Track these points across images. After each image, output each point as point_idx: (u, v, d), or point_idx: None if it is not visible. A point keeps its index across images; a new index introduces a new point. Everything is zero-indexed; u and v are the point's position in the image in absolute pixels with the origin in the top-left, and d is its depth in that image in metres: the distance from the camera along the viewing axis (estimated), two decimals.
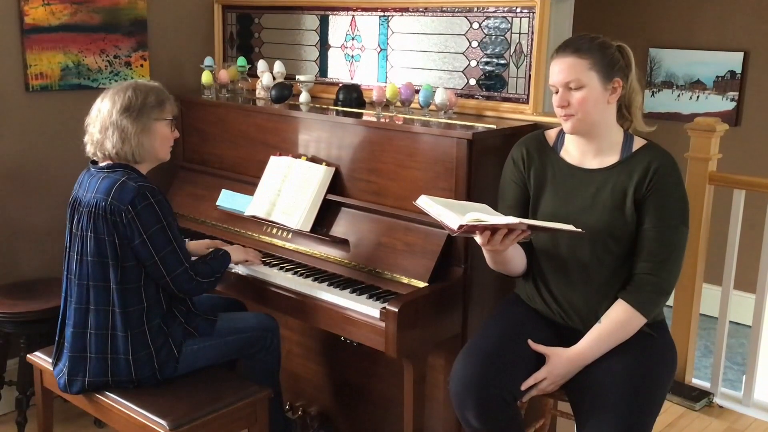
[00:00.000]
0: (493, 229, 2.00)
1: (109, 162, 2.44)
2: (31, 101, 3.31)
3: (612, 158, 2.19)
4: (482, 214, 2.00)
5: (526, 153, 2.30)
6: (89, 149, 2.48)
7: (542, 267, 2.29)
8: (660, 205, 2.11)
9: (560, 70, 2.13)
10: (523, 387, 2.14)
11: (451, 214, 2.00)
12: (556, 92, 2.15)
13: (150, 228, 2.34)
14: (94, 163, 2.49)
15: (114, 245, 2.34)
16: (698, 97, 5.60)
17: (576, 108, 2.12)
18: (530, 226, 2.01)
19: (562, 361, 2.15)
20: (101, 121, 2.42)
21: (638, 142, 2.20)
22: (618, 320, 2.14)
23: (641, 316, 2.13)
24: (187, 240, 2.90)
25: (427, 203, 2.10)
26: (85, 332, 2.41)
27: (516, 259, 2.25)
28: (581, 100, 2.11)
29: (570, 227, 1.98)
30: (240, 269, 2.79)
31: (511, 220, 1.97)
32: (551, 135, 2.32)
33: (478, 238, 2.05)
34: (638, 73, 2.21)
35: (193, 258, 2.59)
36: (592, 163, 2.21)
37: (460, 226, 1.95)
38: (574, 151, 2.25)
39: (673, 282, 2.17)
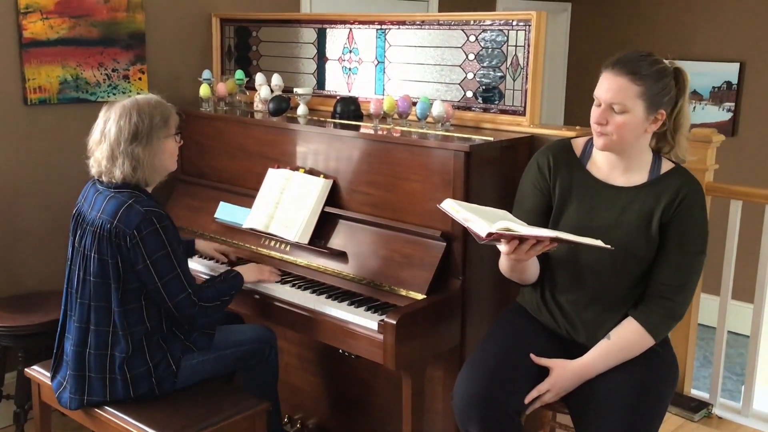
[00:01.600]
0: (521, 239, 1.95)
1: (120, 182, 2.39)
2: (29, 115, 3.31)
3: (639, 177, 2.16)
4: (511, 223, 1.96)
5: (552, 161, 2.24)
6: (95, 171, 2.43)
7: (555, 278, 2.25)
8: (684, 231, 2.10)
9: (609, 88, 2.06)
10: (527, 400, 2.13)
11: (479, 220, 1.94)
12: (598, 105, 2.10)
13: (154, 254, 2.31)
14: (101, 180, 2.44)
15: (117, 267, 2.33)
16: (695, 107, 5.62)
17: (613, 130, 2.07)
18: (558, 239, 1.95)
19: (566, 373, 2.14)
20: (109, 148, 2.36)
21: (666, 164, 2.18)
22: (627, 339, 2.13)
23: (651, 338, 2.12)
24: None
25: (453, 207, 2.04)
26: (84, 351, 2.39)
27: (533, 268, 2.22)
28: (621, 124, 2.06)
29: (599, 243, 1.93)
30: None
31: (543, 232, 1.92)
32: (578, 145, 2.27)
33: (503, 247, 2.01)
34: (689, 98, 2.16)
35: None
36: (619, 180, 2.18)
37: (489, 234, 1.90)
38: (602, 166, 2.21)
39: (685, 308, 2.16)
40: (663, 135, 2.18)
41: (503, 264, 2.20)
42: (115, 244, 2.31)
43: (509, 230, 1.92)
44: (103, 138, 2.39)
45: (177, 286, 2.36)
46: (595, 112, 2.10)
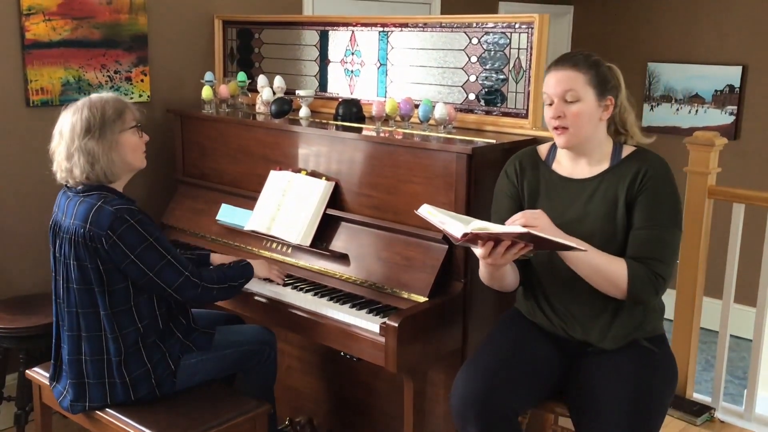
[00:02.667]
0: (496, 241, 1.98)
1: (84, 185, 2.36)
2: (31, 116, 3.32)
3: (602, 166, 2.22)
4: (486, 223, 1.99)
5: (519, 166, 2.33)
6: (59, 176, 2.40)
7: (541, 280, 2.29)
8: (650, 207, 2.11)
9: (558, 81, 2.15)
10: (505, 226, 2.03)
11: (454, 222, 1.99)
12: (550, 104, 2.17)
13: (137, 248, 2.29)
14: (68, 185, 2.42)
15: (98, 271, 2.30)
16: (697, 111, 5.62)
17: (570, 121, 2.14)
18: (533, 240, 1.96)
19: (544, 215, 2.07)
20: (65, 147, 2.34)
21: (627, 149, 2.23)
22: (610, 261, 2.07)
23: (625, 281, 2.06)
24: (210, 253, 2.88)
25: (429, 212, 2.09)
26: (80, 359, 2.39)
27: (510, 275, 2.24)
28: (576, 113, 2.14)
29: (573, 243, 1.96)
30: None
31: (516, 229, 1.94)
32: (543, 150, 2.35)
33: (478, 251, 2.03)
34: (627, 92, 2.25)
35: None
36: (584, 173, 2.24)
37: (464, 234, 1.93)
38: (566, 163, 2.28)
39: (666, 282, 2.11)
40: (616, 129, 2.26)
41: (482, 271, 2.22)
42: (92, 248, 2.28)
43: (485, 230, 1.94)
44: (60, 138, 2.38)
45: (172, 272, 2.34)
46: (549, 110, 2.18)
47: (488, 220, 2.26)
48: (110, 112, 2.36)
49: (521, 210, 2.29)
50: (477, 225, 1.96)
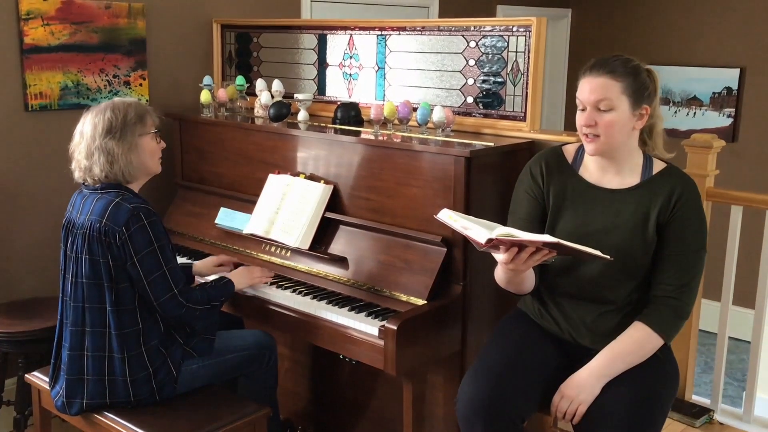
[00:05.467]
0: (520, 247, 1.94)
1: (102, 183, 2.42)
2: (30, 121, 3.32)
3: (632, 179, 2.18)
4: (512, 230, 1.95)
5: (545, 168, 2.26)
6: (77, 175, 2.46)
7: (555, 283, 2.25)
8: (683, 231, 2.11)
9: (592, 89, 2.09)
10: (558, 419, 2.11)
11: (477, 227, 1.95)
12: (583, 110, 2.12)
13: (141, 251, 2.32)
14: (86, 184, 2.47)
15: (108, 267, 2.33)
16: (695, 113, 5.63)
17: (603, 130, 2.09)
18: (559, 248, 1.93)
19: (578, 384, 2.10)
20: (86, 146, 2.40)
21: (658, 165, 2.20)
22: (636, 339, 2.11)
23: (659, 337, 2.11)
24: (192, 262, 2.90)
25: (450, 217, 2.05)
26: (82, 354, 2.40)
27: (530, 278, 2.21)
28: (609, 122, 2.08)
29: (598, 253, 1.92)
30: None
31: (544, 238, 1.91)
32: (570, 151, 2.29)
33: (500, 256, 1.99)
34: (660, 99, 2.19)
35: (201, 280, 2.57)
36: (612, 182, 2.19)
37: (489, 240, 1.89)
38: (594, 170, 2.23)
39: (692, 306, 2.16)
40: (641, 137, 2.21)
41: (499, 274, 2.19)
42: (106, 243, 2.32)
43: (510, 236, 1.91)
44: (81, 138, 2.43)
45: (162, 285, 2.35)
46: (581, 117, 2.13)
47: (496, 220, 2.22)
48: (132, 115, 2.42)
49: (543, 211, 2.25)
50: (502, 231, 1.92)
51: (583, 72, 2.14)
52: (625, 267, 2.14)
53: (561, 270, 2.22)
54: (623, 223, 2.14)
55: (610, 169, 2.19)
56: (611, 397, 2.07)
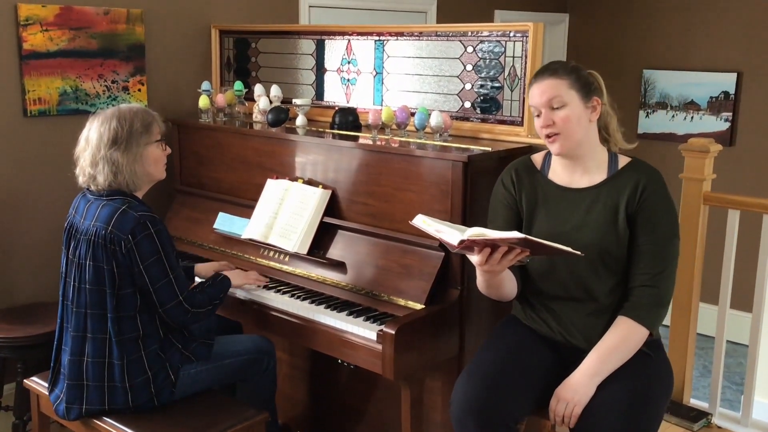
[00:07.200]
0: (493, 247, 1.99)
1: (107, 190, 2.42)
2: (29, 126, 3.33)
3: (599, 176, 2.24)
4: (483, 229, 2.00)
5: (516, 176, 2.34)
6: (81, 180, 2.46)
7: (540, 287, 2.29)
8: (652, 220, 2.16)
9: (542, 91, 2.19)
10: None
11: (450, 230, 2.00)
12: (538, 115, 2.21)
13: (147, 259, 2.33)
14: (90, 189, 2.47)
15: (112, 273, 2.34)
16: (692, 117, 5.64)
17: (561, 126, 2.17)
18: (530, 246, 1.98)
19: (571, 387, 2.12)
20: (90, 154, 2.40)
21: (623, 160, 2.27)
22: (621, 334, 2.14)
23: (643, 328, 2.14)
24: (195, 264, 2.90)
25: (424, 221, 2.10)
26: (82, 360, 2.40)
27: (508, 283, 2.25)
28: (564, 118, 2.16)
29: (569, 249, 1.97)
30: (238, 292, 2.79)
31: (513, 234, 1.95)
32: (537, 159, 2.37)
33: (475, 258, 2.04)
34: (609, 98, 2.29)
35: (199, 280, 2.58)
36: (581, 182, 2.26)
37: (461, 242, 1.94)
38: (562, 172, 2.29)
39: (670, 293, 2.20)
40: (600, 134, 2.29)
41: (479, 280, 2.23)
42: (110, 250, 2.32)
43: (481, 235, 1.95)
44: (87, 144, 2.43)
45: (168, 293, 2.37)
46: (538, 121, 2.22)
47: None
48: (138, 125, 2.42)
49: (518, 218, 2.33)
50: (473, 232, 1.98)
51: (530, 83, 2.26)
52: (603, 262, 2.19)
53: (543, 273, 2.27)
54: (594, 219, 2.20)
55: (577, 169, 2.26)
56: (605, 398, 2.08)
